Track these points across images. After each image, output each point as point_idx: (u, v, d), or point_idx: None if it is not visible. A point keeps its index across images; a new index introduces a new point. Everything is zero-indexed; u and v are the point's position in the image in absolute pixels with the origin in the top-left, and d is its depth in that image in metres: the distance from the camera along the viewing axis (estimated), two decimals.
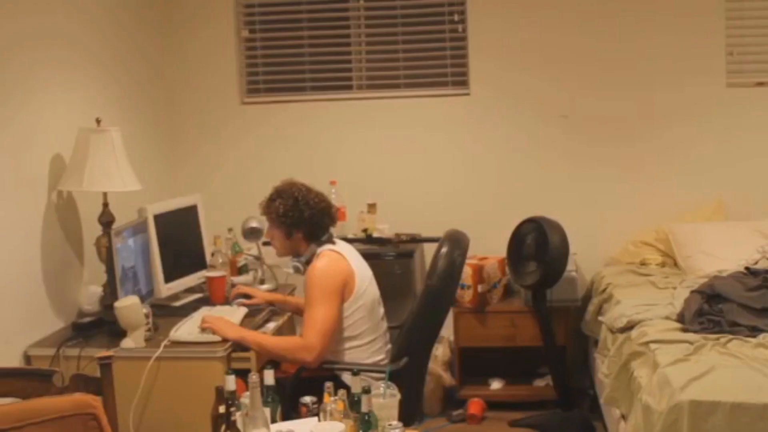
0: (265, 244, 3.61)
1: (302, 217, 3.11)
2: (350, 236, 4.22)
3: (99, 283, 3.36)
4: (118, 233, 3.17)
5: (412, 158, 4.53)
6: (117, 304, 3.02)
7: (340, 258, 3.07)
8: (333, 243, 3.16)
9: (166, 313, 3.43)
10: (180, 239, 3.69)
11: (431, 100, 4.53)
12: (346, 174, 4.44)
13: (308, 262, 3.12)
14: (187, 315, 3.30)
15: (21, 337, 3.04)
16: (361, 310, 3.05)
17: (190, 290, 3.70)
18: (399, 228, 4.34)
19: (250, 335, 3.07)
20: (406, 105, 4.55)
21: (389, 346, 3.17)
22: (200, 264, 3.79)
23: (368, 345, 3.08)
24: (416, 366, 3.04)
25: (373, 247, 4.20)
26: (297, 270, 3.23)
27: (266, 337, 3.15)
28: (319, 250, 3.12)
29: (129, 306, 3.00)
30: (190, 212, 3.80)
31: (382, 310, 3.18)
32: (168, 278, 3.52)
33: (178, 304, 3.57)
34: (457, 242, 3.06)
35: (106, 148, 3.23)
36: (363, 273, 3.11)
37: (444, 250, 3.00)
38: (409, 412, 2.70)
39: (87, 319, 3.22)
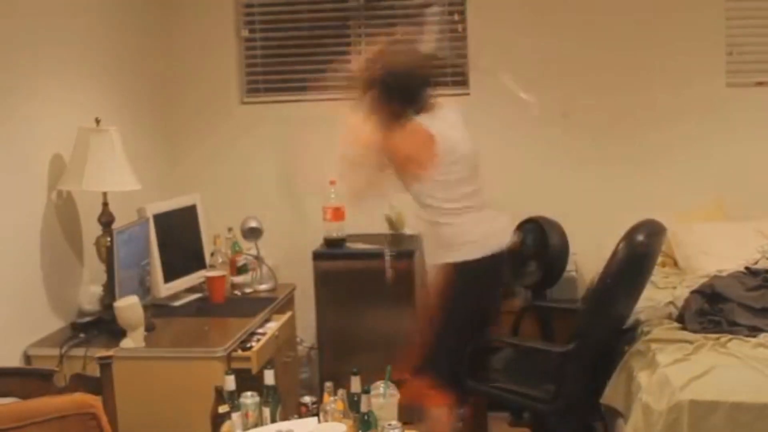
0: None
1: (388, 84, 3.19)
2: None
3: (99, 283, 3.36)
4: (120, 233, 3.17)
5: None
6: (117, 304, 3.02)
7: None
8: None
9: (165, 312, 3.44)
10: (179, 239, 3.69)
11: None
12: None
13: None
14: (187, 314, 3.31)
15: (21, 337, 3.04)
16: None
17: (190, 290, 3.70)
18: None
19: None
20: None
21: None
22: (199, 263, 3.79)
23: None
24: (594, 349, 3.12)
25: (374, 247, 4.20)
26: None
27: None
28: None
29: (129, 306, 3.00)
30: (190, 212, 3.81)
31: None
32: (167, 278, 3.52)
33: (177, 303, 3.57)
34: (644, 231, 3.08)
35: (105, 148, 3.23)
36: None
37: (638, 238, 3.04)
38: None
39: (86, 319, 3.22)
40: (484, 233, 3.15)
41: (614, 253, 3.05)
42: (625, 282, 3.09)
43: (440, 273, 3.14)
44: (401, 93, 3.20)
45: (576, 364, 3.10)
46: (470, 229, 3.14)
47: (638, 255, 3.07)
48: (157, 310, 3.43)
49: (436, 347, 3.11)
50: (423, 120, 3.18)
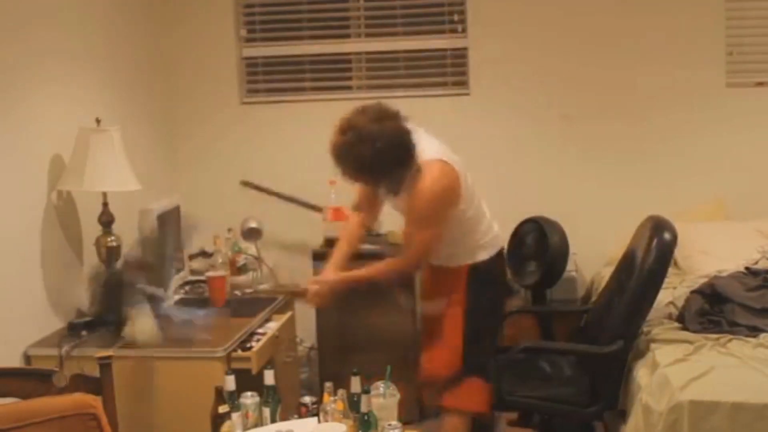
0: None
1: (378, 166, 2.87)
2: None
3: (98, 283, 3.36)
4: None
5: None
6: (135, 322, 3.01)
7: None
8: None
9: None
10: (167, 240, 3.67)
11: (431, 100, 4.52)
12: None
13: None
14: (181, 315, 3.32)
15: (21, 337, 3.04)
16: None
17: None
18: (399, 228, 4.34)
19: (353, 278, 3.01)
20: (406, 105, 4.50)
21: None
22: (180, 265, 3.77)
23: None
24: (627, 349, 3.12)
25: (374, 247, 4.19)
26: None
27: (369, 270, 3.02)
28: (419, 163, 2.86)
29: (144, 326, 3.01)
30: (174, 213, 3.77)
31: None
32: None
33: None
34: (668, 227, 3.10)
35: (106, 148, 3.23)
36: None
37: (666, 236, 3.05)
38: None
39: (84, 319, 3.21)
40: (494, 232, 3.16)
41: (647, 251, 3.06)
42: (660, 279, 3.09)
43: (455, 276, 3.09)
44: (399, 156, 2.85)
45: (617, 364, 3.10)
46: (486, 231, 3.13)
47: (670, 251, 3.10)
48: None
49: (477, 348, 3.06)
50: (428, 155, 2.90)
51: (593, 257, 4.34)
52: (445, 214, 2.93)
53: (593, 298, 4.07)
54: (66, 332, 3.17)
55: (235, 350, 3.06)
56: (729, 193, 4.32)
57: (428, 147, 2.95)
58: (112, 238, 3.32)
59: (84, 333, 3.11)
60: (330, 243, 4.17)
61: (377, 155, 2.79)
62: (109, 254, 3.32)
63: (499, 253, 3.18)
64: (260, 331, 3.35)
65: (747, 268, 3.55)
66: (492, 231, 3.15)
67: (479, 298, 3.07)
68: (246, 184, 4.27)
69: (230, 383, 2.46)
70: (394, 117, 2.89)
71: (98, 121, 3.28)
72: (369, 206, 3.25)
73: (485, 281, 3.10)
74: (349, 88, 4.64)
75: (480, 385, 3.07)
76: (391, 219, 4.07)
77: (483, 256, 3.10)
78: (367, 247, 4.12)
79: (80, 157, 3.21)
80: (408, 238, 3.01)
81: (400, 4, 4.55)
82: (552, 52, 4.41)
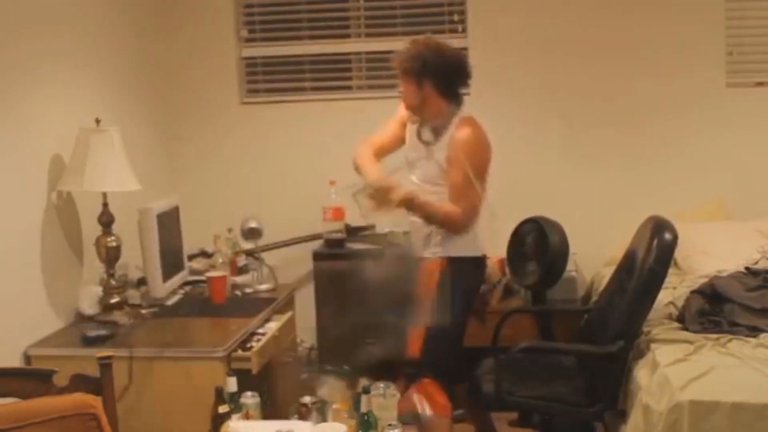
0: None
1: (432, 64, 3.01)
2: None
3: (97, 283, 3.36)
4: None
5: None
6: None
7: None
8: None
9: (165, 312, 3.44)
10: (168, 239, 3.67)
11: None
12: (345, 174, 4.42)
13: (443, 128, 3.05)
14: (187, 314, 3.30)
15: (21, 337, 3.04)
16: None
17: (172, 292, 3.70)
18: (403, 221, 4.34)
19: (419, 200, 3.01)
20: None
21: None
22: (180, 265, 3.76)
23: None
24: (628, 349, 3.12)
25: (374, 246, 4.20)
26: (427, 141, 3.10)
27: (434, 204, 3.05)
28: (463, 114, 3.06)
29: None
30: (174, 213, 3.76)
31: None
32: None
33: (170, 303, 3.57)
34: (669, 227, 3.11)
35: (106, 148, 3.22)
36: None
37: (667, 236, 3.05)
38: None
39: (99, 333, 3.12)
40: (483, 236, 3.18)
41: (647, 251, 3.06)
42: (660, 279, 3.09)
43: (435, 267, 3.10)
44: (457, 79, 3.06)
45: (617, 364, 3.10)
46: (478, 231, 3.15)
47: (670, 251, 3.10)
48: (159, 310, 3.44)
49: (434, 346, 3.07)
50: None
51: (593, 257, 4.34)
52: (488, 168, 3.00)
53: (593, 298, 4.07)
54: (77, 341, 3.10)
55: (235, 350, 3.06)
56: (729, 193, 4.32)
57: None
58: (112, 238, 3.32)
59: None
60: (330, 243, 4.19)
61: (450, 59, 3.06)
62: (109, 254, 3.32)
63: (481, 260, 3.19)
64: (260, 331, 3.35)
65: (747, 268, 3.55)
66: (482, 234, 3.15)
67: (448, 298, 3.08)
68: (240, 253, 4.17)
69: (232, 385, 2.46)
70: None
71: (98, 121, 3.28)
72: (384, 151, 3.30)
73: (457, 282, 3.10)
74: (349, 88, 4.64)
75: (433, 386, 3.04)
76: (390, 219, 4.09)
77: (462, 252, 3.10)
78: (367, 246, 4.15)
79: (80, 157, 3.20)
80: (458, 190, 2.99)
81: (400, 4, 4.55)
82: (552, 51, 4.41)
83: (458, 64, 3.10)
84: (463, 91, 3.15)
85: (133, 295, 3.49)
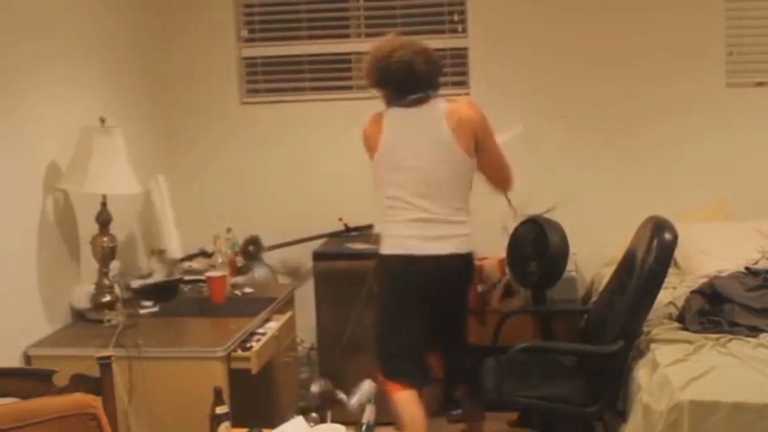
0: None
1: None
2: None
3: (93, 282, 3.35)
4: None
5: None
6: None
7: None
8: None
9: (167, 312, 3.44)
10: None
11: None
12: (345, 173, 4.43)
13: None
14: (184, 314, 3.30)
15: (21, 337, 3.04)
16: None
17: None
18: None
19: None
20: None
21: None
22: None
23: None
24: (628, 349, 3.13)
25: (373, 246, 4.20)
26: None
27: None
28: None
29: None
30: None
31: None
32: None
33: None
34: (669, 227, 3.12)
35: (109, 149, 3.21)
36: None
37: (667, 236, 3.06)
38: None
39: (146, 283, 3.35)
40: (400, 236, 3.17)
41: (647, 251, 3.06)
42: (660, 279, 3.09)
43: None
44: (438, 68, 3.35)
45: (617, 364, 3.10)
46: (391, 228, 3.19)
47: (670, 251, 3.09)
48: (161, 310, 3.44)
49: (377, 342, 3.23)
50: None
51: (593, 257, 4.34)
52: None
53: (593, 298, 4.07)
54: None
55: (235, 350, 3.06)
56: (729, 193, 4.32)
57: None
58: (108, 237, 3.31)
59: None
60: (329, 243, 4.20)
61: (431, 58, 3.37)
62: (104, 253, 3.31)
63: (386, 258, 3.18)
64: (260, 331, 3.34)
65: (747, 268, 3.55)
66: (390, 231, 3.18)
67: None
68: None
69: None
70: None
71: (102, 120, 3.26)
72: None
73: (381, 281, 3.19)
74: (349, 88, 4.64)
75: (386, 382, 3.12)
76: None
77: (386, 250, 3.16)
78: (366, 246, 4.15)
79: (83, 157, 3.19)
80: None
81: (399, 4, 4.55)
82: (552, 52, 4.41)
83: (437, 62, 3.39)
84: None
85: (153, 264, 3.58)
